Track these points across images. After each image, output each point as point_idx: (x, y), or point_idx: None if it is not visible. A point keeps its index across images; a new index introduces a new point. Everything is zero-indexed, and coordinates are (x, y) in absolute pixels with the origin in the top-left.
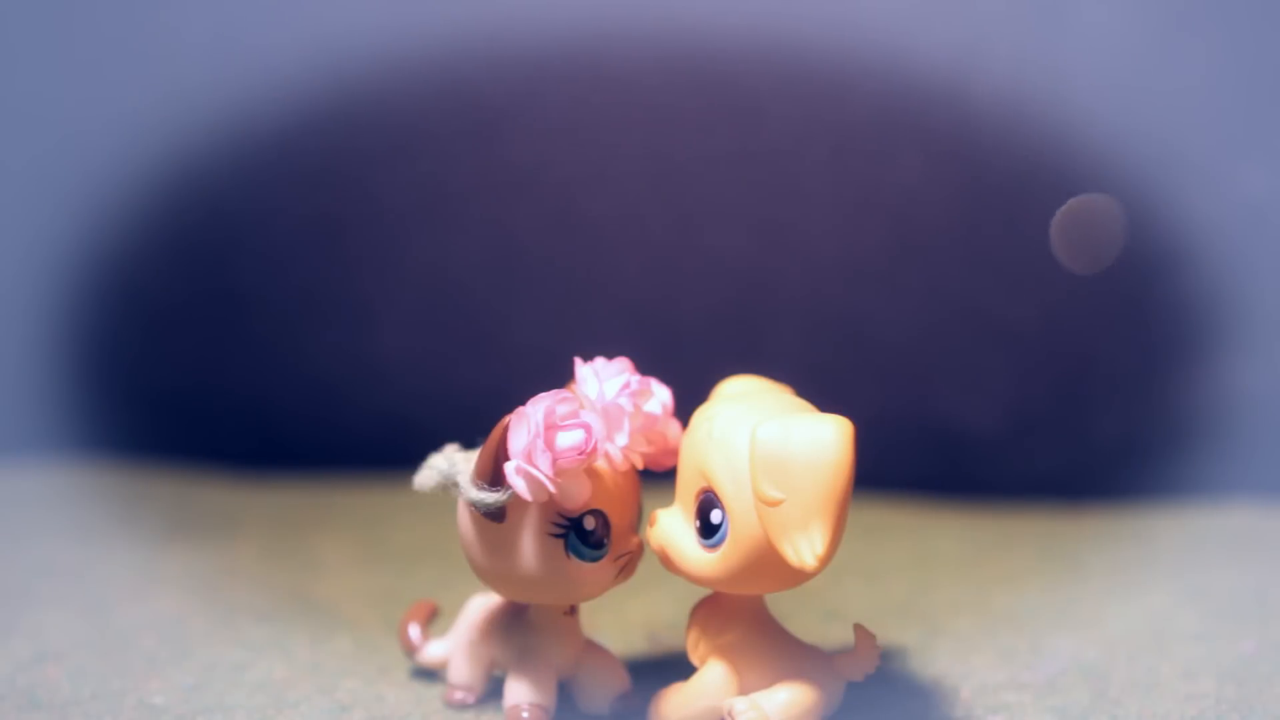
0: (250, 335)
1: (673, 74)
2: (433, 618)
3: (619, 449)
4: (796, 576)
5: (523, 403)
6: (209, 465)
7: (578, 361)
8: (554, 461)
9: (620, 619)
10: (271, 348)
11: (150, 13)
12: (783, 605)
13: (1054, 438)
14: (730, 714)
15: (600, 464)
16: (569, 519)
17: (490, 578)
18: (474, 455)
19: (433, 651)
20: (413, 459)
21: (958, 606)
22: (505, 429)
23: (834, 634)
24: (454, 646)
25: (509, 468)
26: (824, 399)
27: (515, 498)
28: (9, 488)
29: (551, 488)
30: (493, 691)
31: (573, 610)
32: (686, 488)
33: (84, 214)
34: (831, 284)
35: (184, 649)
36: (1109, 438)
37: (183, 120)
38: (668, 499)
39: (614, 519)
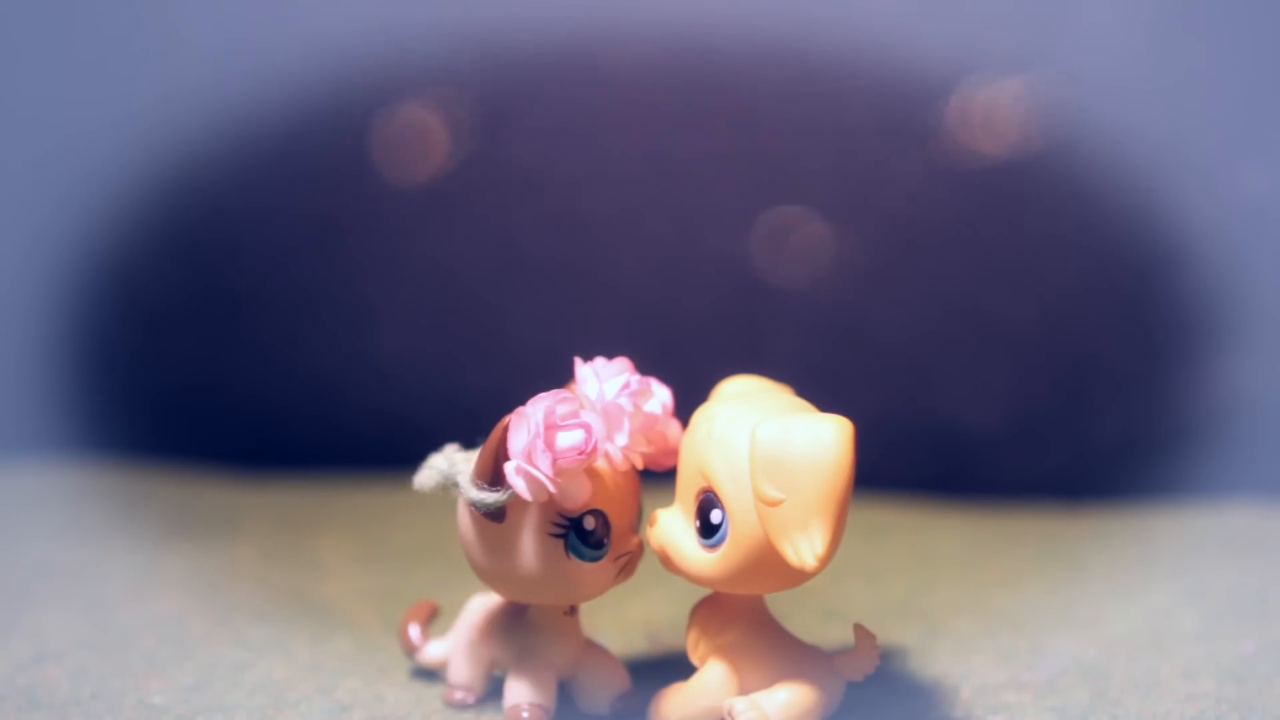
0: (250, 335)
1: (673, 73)
2: (433, 618)
3: (619, 449)
4: (796, 576)
5: (523, 403)
6: (209, 465)
7: (578, 361)
8: (554, 461)
9: (620, 619)
10: (271, 348)
11: (150, 12)
12: (783, 605)
13: (1054, 438)
14: (730, 714)
15: (600, 464)
16: (569, 519)
17: (490, 578)
18: (474, 455)
19: (433, 651)
20: (413, 459)
21: (958, 606)
22: (505, 429)
23: (834, 634)
24: (454, 646)
25: (509, 468)
26: (824, 399)
27: (515, 498)
28: (9, 488)
29: (551, 488)
30: (493, 691)
31: (573, 610)
32: (686, 488)
33: (84, 214)
34: (831, 284)
35: (184, 649)
36: (1109, 438)
37: (183, 120)
38: (668, 499)
39: (614, 519)
